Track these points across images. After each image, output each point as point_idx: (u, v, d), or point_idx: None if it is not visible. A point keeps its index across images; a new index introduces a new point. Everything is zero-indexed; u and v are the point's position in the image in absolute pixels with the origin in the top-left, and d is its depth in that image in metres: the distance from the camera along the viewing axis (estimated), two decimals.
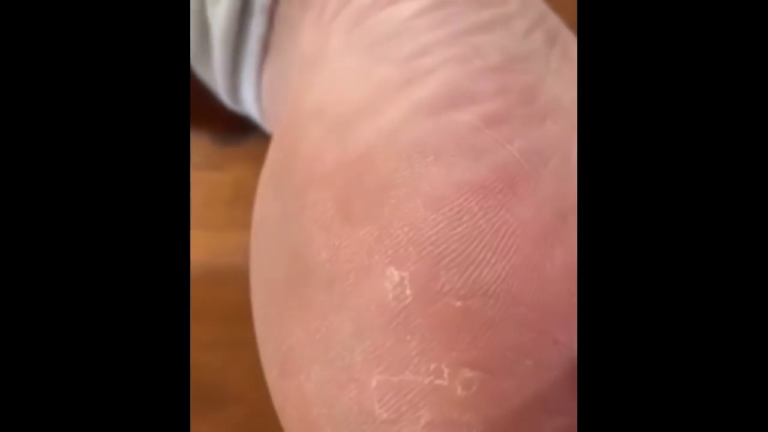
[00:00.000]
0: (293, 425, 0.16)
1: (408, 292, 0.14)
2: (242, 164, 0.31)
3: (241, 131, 0.30)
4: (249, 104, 0.22)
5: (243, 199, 0.20)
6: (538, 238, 0.15)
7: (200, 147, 0.31)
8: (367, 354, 0.15)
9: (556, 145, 0.16)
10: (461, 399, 0.14)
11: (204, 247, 0.29)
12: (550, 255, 0.15)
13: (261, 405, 0.18)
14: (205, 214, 0.30)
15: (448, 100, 0.16)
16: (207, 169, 0.31)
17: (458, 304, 0.14)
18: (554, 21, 0.19)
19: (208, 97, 0.24)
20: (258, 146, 0.24)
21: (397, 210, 0.15)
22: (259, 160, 0.19)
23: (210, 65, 0.22)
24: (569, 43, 0.19)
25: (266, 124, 0.23)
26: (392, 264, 0.15)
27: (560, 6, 0.20)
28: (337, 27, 0.18)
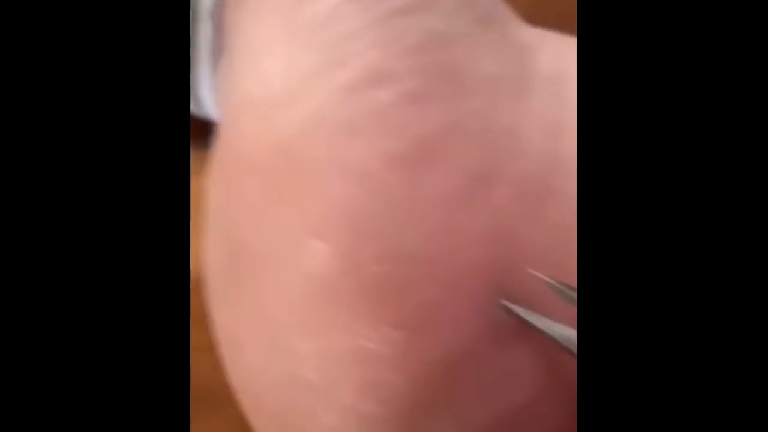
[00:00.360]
0: (245, 401, 0.17)
1: (333, 262, 0.15)
2: None
3: None
4: (210, 107, 0.23)
5: None
6: (453, 202, 0.15)
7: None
8: (298, 325, 0.15)
9: (475, 116, 0.16)
10: (388, 359, 0.15)
11: (196, 254, 0.30)
12: (467, 217, 0.15)
13: None
14: (195, 222, 0.31)
15: (370, 80, 0.16)
16: (196, 175, 0.32)
17: (380, 269, 0.15)
18: (489, 3, 0.20)
19: None
20: None
21: (321, 187, 0.16)
22: None
23: None
24: (508, 22, 0.19)
25: None
26: (317, 237, 0.15)
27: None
28: (267, 18, 0.19)
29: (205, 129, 0.30)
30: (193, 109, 0.24)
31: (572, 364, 0.15)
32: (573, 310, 0.14)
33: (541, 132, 0.17)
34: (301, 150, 0.16)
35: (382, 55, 0.17)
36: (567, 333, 0.15)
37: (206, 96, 0.22)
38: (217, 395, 0.30)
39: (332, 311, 0.15)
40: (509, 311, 0.15)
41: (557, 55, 0.19)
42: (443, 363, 0.15)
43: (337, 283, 0.15)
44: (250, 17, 0.19)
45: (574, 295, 0.15)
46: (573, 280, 0.15)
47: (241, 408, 0.28)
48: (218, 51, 0.21)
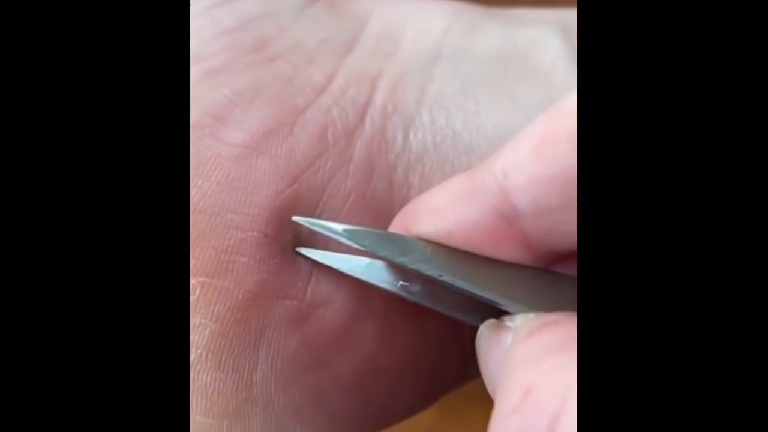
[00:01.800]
0: None
1: None
2: None
3: None
4: None
5: None
6: (241, 155, 0.17)
7: None
8: None
9: (278, 79, 0.19)
10: (192, 304, 0.16)
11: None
12: (254, 166, 0.17)
13: None
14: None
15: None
16: None
17: None
18: None
19: None
20: None
21: None
22: None
23: None
24: None
25: None
26: None
27: None
28: None
29: None
30: None
31: (378, 293, 0.17)
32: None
33: (356, 83, 0.19)
34: None
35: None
36: (357, 262, 0.17)
37: None
38: None
39: None
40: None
41: (385, 17, 0.21)
42: (244, 300, 0.16)
43: None
44: None
45: (344, 239, 0.16)
46: (371, 214, 0.17)
47: None
48: None
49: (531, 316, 0.15)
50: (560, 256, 0.16)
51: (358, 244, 0.16)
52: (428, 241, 0.16)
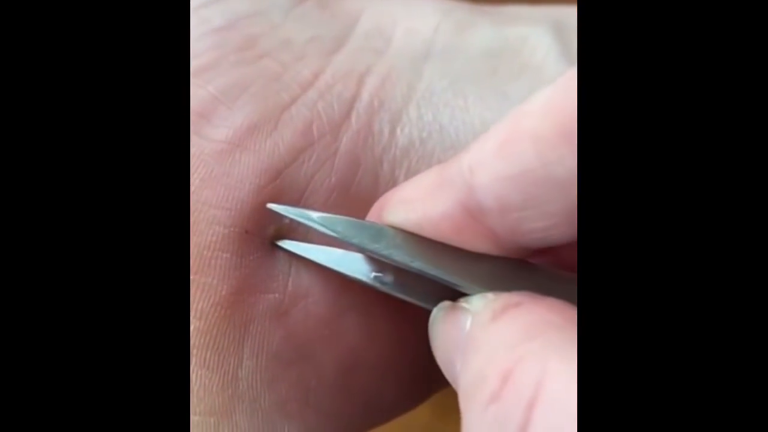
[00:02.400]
0: None
1: None
2: None
3: None
4: None
5: None
6: (224, 151, 0.17)
7: None
8: None
9: (262, 74, 0.19)
10: None
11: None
12: (237, 161, 0.17)
13: None
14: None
15: None
16: None
17: None
18: None
19: None
20: None
21: None
22: None
23: None
24: None
25: None
26: None
27: None
28: None
29: None
30: None
31: (359, 287, 0.17)
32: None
33: (343, 79, 0.19)
34: None
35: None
36: (332, 253, 0.17)
37: None
38: None
39: None
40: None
41: (376, 16, 0.22)
42: (228, 295, 0.16)
43: None
44: None
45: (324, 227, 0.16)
46: (356, 209, 0.17)
47: None
48: None
49: (490, 296, 0.15)
50: (529, 252, 0.16)
51: (332, 231, 0.16)
52: (400, 230, 0.16)
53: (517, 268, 0.15)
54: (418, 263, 0.16)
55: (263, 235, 0.17)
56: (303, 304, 0.17)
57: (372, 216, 0.17)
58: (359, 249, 0.17)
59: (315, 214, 0.16)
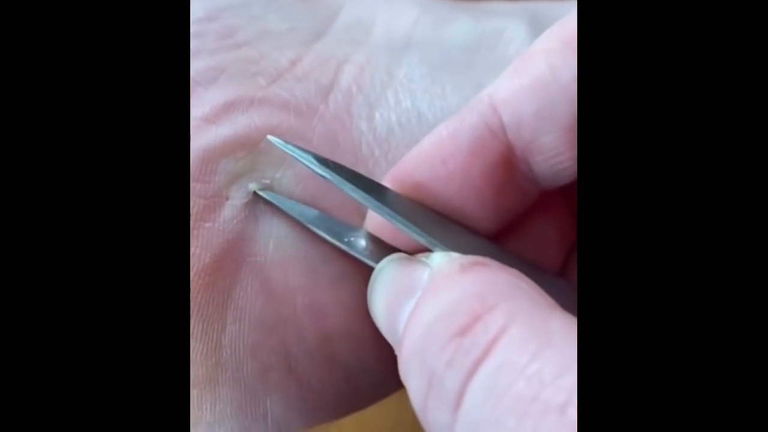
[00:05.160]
0: None
1: None
2: None
3: None
4: None
5: None
6: (201, 127, 0.18)
7: None
8: None
9: (242, 62, 0.19)
10: None
11: None
12: (213, 134, 0.18)
13: None
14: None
15: None
16: None
17: None
18: None
19: None
20: None
21: None
22: None
23: None
24: None
25: None
26: None
27: None
28: None
29: None
30: None
31: (340, 257, 0.18)
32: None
33: (321, 66, 0.20)
34: None
35: None
36: (307, 212, 0.17)
37: None
38: None
39: None
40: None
41: (357, 9, 0.22)
42: (209, 265, 0.17)
43: None
44: None
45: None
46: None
47: None
48: None
49: (455, 255, 0.15)
50: (538, 189, 0.17)
51: (325, 172, 0.16)
52: (396, 192, 0.16)
53: (499, 255, 0.16)
54: (400, 220, 0.16)
55: (242, 202, 0.18)
56: (284, 269, 0.17)
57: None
58: (348, 194, 0.16)
59: (311, 154, 0.17)
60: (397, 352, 0.15)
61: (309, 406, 0.18)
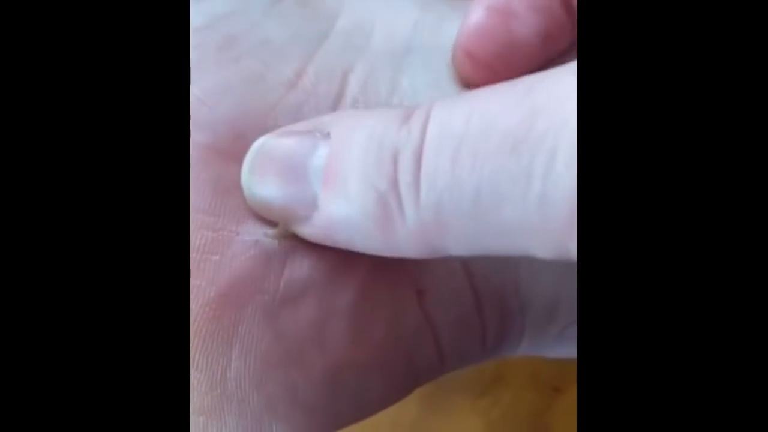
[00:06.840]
0: None
1: None
2: None
3: None
4: None
5: None
6: (211, 159, 0.17)
7: None
8: None
9: (245, 75, 0.19)
10: None
11: None
12: (224, 168, 0.17)
13: None
14: None
15: None
16: None
17: None
18: None
19: None
20: None
21: None
22: None
23: None
24: None
25: None
26: None
27: None
28: None
29: None
30: None
31: (350, 290, 0.17)
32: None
33: (327, 78, 0.20)
34: None
35: None
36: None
37: None
38: None
39: None
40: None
41: (356, 12, 0.22)
42: (217, 297, 0.16)
43: None
44: None
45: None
46: None
47: None
48: None
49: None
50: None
51: None
52: None
53: None
54: None
55: (252, 234, 0.17)
56: (293, 306, 0.17)
57: None
58: None
59: None
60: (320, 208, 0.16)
61: (314, 429, 0.18)
